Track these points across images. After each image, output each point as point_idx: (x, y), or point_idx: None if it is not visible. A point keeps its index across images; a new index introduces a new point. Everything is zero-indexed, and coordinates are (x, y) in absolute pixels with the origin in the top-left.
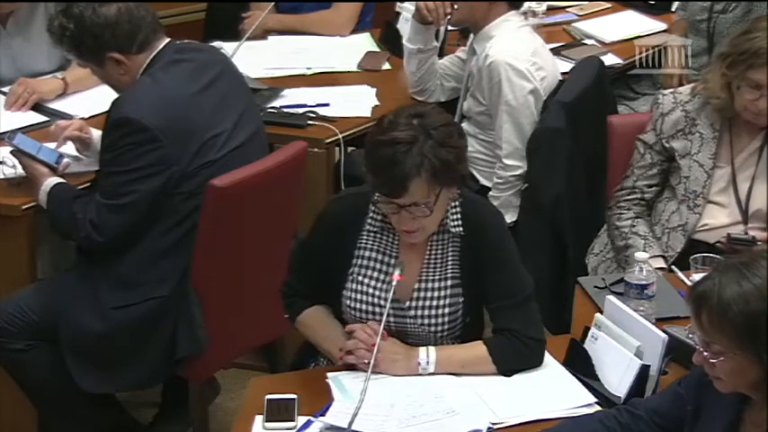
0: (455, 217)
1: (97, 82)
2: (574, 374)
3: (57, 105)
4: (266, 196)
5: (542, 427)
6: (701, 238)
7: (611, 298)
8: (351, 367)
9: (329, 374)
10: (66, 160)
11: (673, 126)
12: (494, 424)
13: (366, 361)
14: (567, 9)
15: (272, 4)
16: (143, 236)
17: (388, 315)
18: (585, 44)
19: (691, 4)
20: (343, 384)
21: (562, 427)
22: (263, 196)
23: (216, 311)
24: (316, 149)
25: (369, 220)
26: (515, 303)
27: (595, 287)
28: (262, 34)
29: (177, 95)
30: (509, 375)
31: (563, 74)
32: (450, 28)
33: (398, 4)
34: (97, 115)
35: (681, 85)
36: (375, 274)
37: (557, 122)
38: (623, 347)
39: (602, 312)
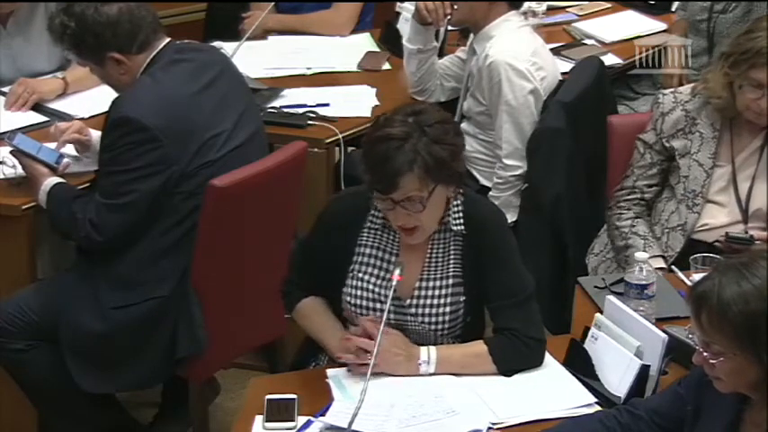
0: (457, 215)
1: (97, 82)
2: (574, 374)
3: (57, 105)
4: (266, 196)
5: (542, 427)
6: (701, 238)
7: (611, 298)
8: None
9: (329, 374)
10: (66, 160)
11: (673, 125)
12: (494, 424)
13: (365, 360)
14: (567, 9)
15: (272, 4)
16: (143, 236)
17: (389, 313)
18: (585, 44)
19: (691, 4)
20: (343, 384)
21: (562, 427)
22: (263, 196)
23: (216, 311)
24: (316, 149)
25: (370, 218)
26: (516, 303)
27: (595, 287)
28: (262, 34)
29: (177, 95)
30: (509, 375)
31: (563, 74)
32: (450, 28)
33: (398, 4)
34: (97, 115)
35: (681, 85)
36: (375, 272)
37: (557, 122)
38: (623, 347)
39: (602, 312)
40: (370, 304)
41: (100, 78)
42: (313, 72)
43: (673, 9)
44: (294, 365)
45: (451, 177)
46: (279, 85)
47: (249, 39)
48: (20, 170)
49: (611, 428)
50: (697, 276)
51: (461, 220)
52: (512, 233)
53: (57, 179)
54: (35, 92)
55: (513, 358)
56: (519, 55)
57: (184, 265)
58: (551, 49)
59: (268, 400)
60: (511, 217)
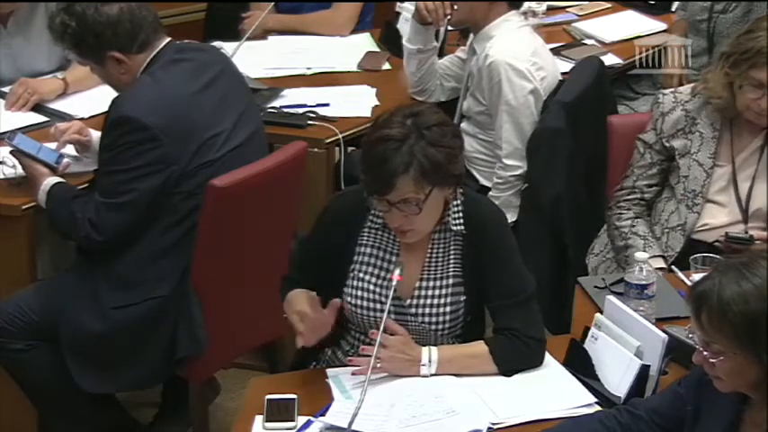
0: (457, 215)
1: (97, 82)
2: (574, 374)
3: (57, 105)
4: (266, 196)
5: (542, 427)
6: (701, 238)
7: (611, 298)
8: (349, 367)
9: (329, 374)
10: (66, 160)
11: (673, 125)
12: (494, 424)
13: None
14: (567, 9)
15: (272, 4)
16: (142, 235)
17: (389, 313)
18: (585, 44)
19: (691, 4)
20: (343, 384)
21: (562, 427)
22: (263, 196)
23: (216, 311)
24: (316, 149)
25: (370, 217)
26: (516, 302)
27: (595, 287)
28: (262, 34)
29: (177, 95)
30: (509, 375)
31: (563, 74)
32: (450, 28)
33: (398, 4)
34: (97, 115)
35: (681, 85)
36: (376, 272)
37: (557, 122)
38: (623, 347)
39: (602, 312)
40: (371, 304)
41: (100, 78)
42: (313, 72)
43: (673, 9)
44: (294, 365)
45: (448, 180)
46: (279, 85)
47: (249, 39)
48: (20, 170)
49: (611, 428)
50: (697, 276)
51: (461, 220)
52: (512, 233)
53: (56, 179)
54: (35, 92)
55: (514, 358)
56: (519, 55)
57: (184, 265)
58: (551, 49)
59: (268, 400)
60: (511, 217)
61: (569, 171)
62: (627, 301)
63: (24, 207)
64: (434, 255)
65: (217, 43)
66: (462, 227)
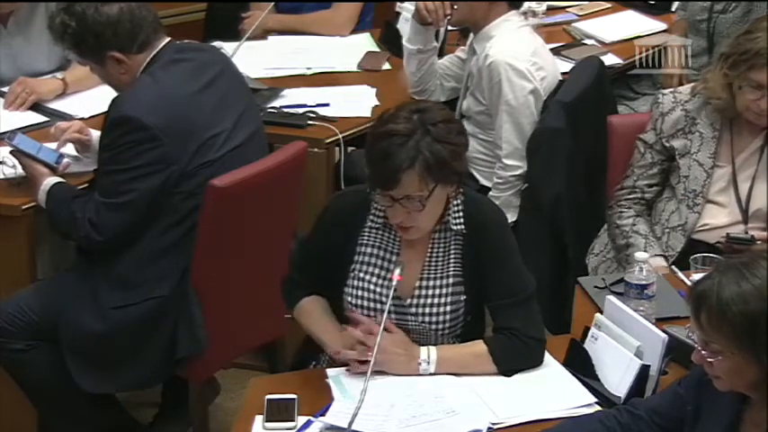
0: (457, 215)
1: (97, 82)
2: (574, 374)
3: (57, 105)
4: (266, 196)
5: (542, 427)
6: (702, 238)
7: (611, 298)
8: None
9: (329, 374)
10: (66, 160)
11: (673, 125)
12: (494, 424)
13: (364, 357)
14: (567, 9)
15: (272, 4)
16: (142, 235)
17: (389, 312)
18: (585, 44)
19: (691, 4)
20: (343, 384)
21: (562, 427)
22: (263, 196)
23: (216, 311)
24: (316, 149)
25: (371, 217)
26: (516, 302)
27: (595, 287)
28: (262, 34)
29: (177, 95)
30: (509, 375)
31: (563, 74)
32: (450, 28)
33: (398, 4)
34: (97, 115)
35: (681, 85)
36: (376, 271)
37: (557, 122)
38: (623, 347)
39: (602, 312)
40: (371, 304)
41: (100, 78)
42: (313, 72)
43: (673, 9)
44: (294, 365)
45: (452, 177)
46: (279, 85)
47: (249, 39)
48: (20, 170)
49: (611, 428)
50: (697, 276)
51: (461, 220)
52: (512, 233)
53: (56, 179)
54: (34, 92)
55: (513, 358)
56: (519, 55)
57: (184, 265)
58: (551, 49)
59: (268, 400)
60: (511, 217)
61: (569, 171)
62: (627, 301)
63: (24, 207)
64: (435, 254)
65: (217, 43)
66: (462, 226)
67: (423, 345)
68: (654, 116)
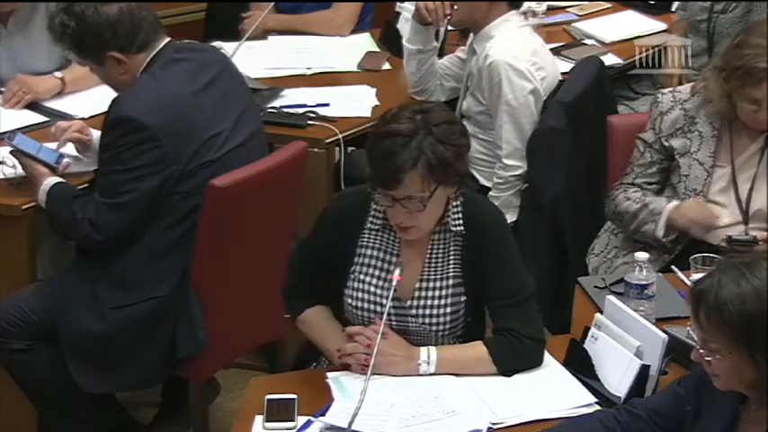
0: (456, 216)
1: (96, 82)
2: (574, 374)
3: (57, 105)
4: (266, 196)
5: (542, 427)
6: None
7: (611, 298)
8: (350, 368)
9: (329, 374)
10: (66, 160)
11: (672, 125)
12: (494, 424)
13: (363, 362)
14: (567, 9)
15: (272, 4)
16: (142, 235)
17: (390, 314)
18: (585, 44)
19: (691, 4)
20: (343, 384)
21: (562, 427)
22: (263, 196)
23: (216, 311)
24: (316, 149)
25: (370, 218)
26: (515, 303)
27: (595, 287)
28: (262, 34)
29: (177, 95)
30: (509, 375)
31: (563, 74)
32: (450, 28)
33: (398, 4)
34: (97, 115)
35: (680, 84)
36: (376, 273)
37: (557, 122)
38: (623, 347)
39: (602, 312)
40: (371, 306)
41: (100, 78)
42: (313, 72)
43: (673, 9)
44: (294, 366)
45: (453, 178)
46: (279, 85)
47: (249, 39)
48: (20, 170)
49: (611, 428)
50: (697, 276)
51: (461, 221)
52: (511, 233)
53: (56, 179)
54: (31, 90)
55: (513, 358)
56: (519, 55)
57: (184, 265)
58: (551, 49)
59: (268, 400)
60: (511, 217)
61: (569, 171)
62: (627, 301)
63: (24, 207)
64: (434, 255)
65: (217, 43)
66: (462, 227)
67: (423, 345)
68: (653, 115)
